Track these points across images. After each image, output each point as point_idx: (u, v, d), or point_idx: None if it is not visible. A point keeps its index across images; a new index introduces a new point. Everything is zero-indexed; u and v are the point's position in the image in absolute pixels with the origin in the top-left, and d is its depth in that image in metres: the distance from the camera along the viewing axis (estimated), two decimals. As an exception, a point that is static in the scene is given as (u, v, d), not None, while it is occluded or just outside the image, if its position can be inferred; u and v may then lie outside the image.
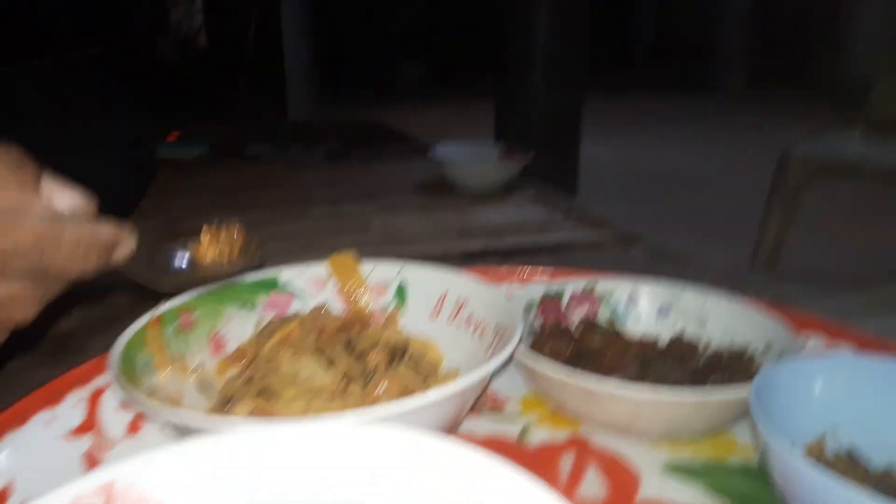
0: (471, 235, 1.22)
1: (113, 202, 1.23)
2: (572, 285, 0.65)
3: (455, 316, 0.58)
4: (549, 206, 1.40)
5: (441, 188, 1.48)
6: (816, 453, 0.47)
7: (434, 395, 0.41)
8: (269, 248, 1.16)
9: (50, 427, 0.46)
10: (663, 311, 0.64)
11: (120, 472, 0.33)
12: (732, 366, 0.56)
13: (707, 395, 0.46)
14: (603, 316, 0.64)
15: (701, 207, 3.39)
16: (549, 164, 1.51)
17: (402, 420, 0.40)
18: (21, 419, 0.45)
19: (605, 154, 4.13)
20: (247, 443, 0.35)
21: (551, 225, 1.30)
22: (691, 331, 0.62)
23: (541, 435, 0.53)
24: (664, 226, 1.28)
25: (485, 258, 1.14)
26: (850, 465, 0.47)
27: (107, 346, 0.49)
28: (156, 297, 0.55)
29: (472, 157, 1.58)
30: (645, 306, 0.65)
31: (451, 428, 0.49)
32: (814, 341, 0.62)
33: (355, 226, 1.26)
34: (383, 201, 1.42)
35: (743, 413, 0.51)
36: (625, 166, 4.18)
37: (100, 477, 0.32)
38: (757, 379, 0.45)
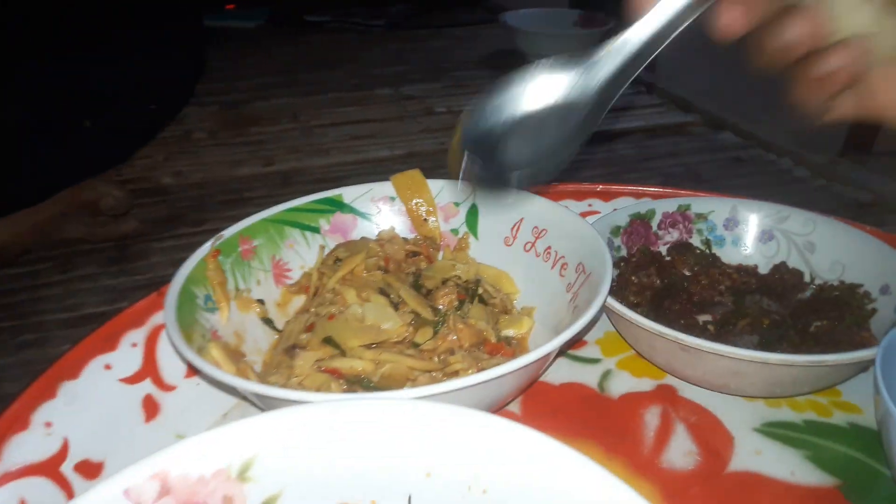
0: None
1: (165, 86, 1.19)
2: (663, 205, 0.58)
3: (532, 245, 0.53)
4: (632, 83, 1.29)
5: (512, 60, 1.38)
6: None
7: (510, 366, 0.37)
8: (332, 136, 1.12)
9: (106, 374, 0.45)
10: (766, 235, 0.57)
11: (176, 456, 0.31)
12: (841, 306, 0.50)
13: (821, 360, 0.40)
14: (698, 239, 0.58)
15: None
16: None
17: (474, 390, 0.37)
18: (75, 369, 0.44)
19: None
20: (307, 422, 0.33)
21: (633, 106, 1.20)
22: (796, 260, 0.56)
23: (623, 383, 0.49)
24: (752, 107, 1.16)
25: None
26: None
27: (172, 253, 0.46)
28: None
29: (546, 24, 1.45)
30: (745, 229, 0.58)
31: (526, 386, 0.46)
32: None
33: (420, 110, 1.19)
34: (449, 79, 1.34)
35: (857, 373, 0.46)
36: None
37: (154, 464, 0.30)
38: (885, 340, 0.39)
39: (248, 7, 1.80)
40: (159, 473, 0.31)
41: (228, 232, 0.52)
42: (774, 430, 0.45)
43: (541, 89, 0.41)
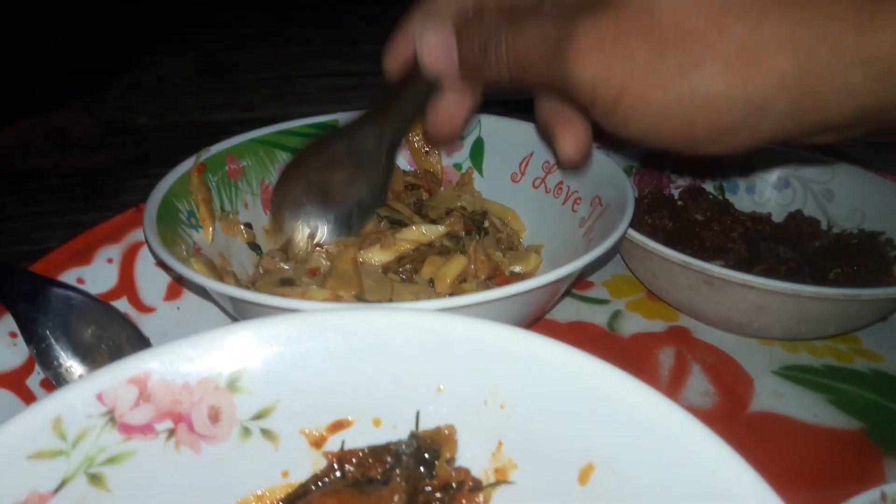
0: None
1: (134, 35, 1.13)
2: (674, 148, 0.55)
3: (542, 181, 0.50)
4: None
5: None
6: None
7: (525, 284, 0.34)
8: (315, 87, 1.07)
9: (79, 288, 0.40)
10: (781, 182, 0.55)
11: (158, 360, 0.27)
12: (862, 253, 0.48)
13: (857, 293, 0.38)
14: (711, 185, 0.56)
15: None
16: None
17: (484, 308, 0.34)
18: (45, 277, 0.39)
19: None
20: (306, 330, 0.29)
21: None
22: (812, 208, 0.53)
23: (634, 324, 0.46)
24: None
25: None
26: None
27: (145, 192, 0.43)
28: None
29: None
30: (760, 176, 0.55)
31: (538, 316, 0.43)
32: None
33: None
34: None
35: (878, 318, 0.44)
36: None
37: (132, 366, 0.26)
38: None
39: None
40: (138, 377, 0.27)
41: (215, 148, 0.48)
42: (794, 374, 0.42)
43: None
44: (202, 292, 0.45)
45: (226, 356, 0.28)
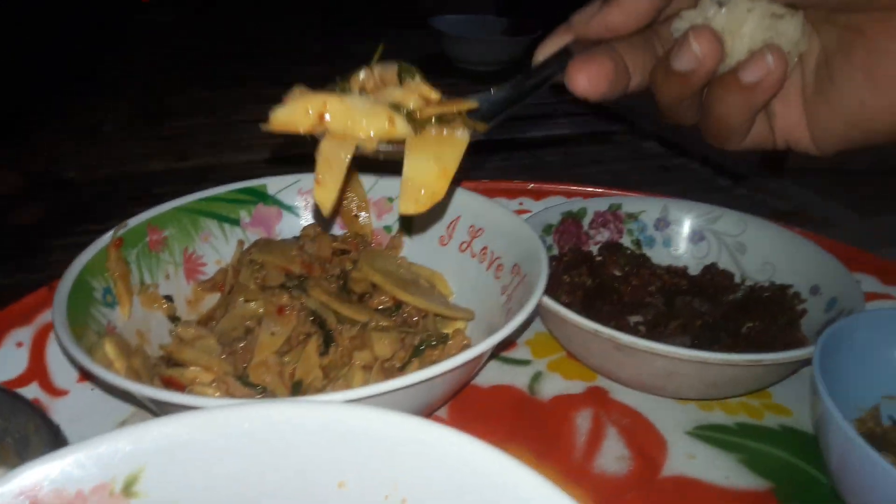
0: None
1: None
2: (595, 204, 0.57)
3: (468, 245, 0.51)
4: (556, 91, 1.29)
5: (439, 65, 1.36)
6: (871, 421, 0.42)
7: (439, 367, 0.34)
8: (253, 132, 1.07)
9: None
10: (696, 236, 0.57)
11: (50, 469, 0.27)
12: (772, 306, 0.50)
13: (760, 359, 0.39)
14: (628, 240, 0.57)
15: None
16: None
17: (400, 394, 0.34)
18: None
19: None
20: (203, 429, 0.29)
21: (557, 115, 1.20)
22: (726, 261, 0.55)
23: (554, 385, 0.47)
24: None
25: (484, 154, 1.05)
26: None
27: (75, 251, 0.42)
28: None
29: (474, 31, 1.45)
30: (675, 230, 0.57)
31: (459, 388, 0.43)
32: (864, 280, 0.55)
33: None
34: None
35: (790, 374, 0.45)
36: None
37: (24, 478, 0.26)
38: (821, 340, 0.39)
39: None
40: (28, 490, 0.26)
41: (134, 220, 0.47)
42: (707, 434, 0.44)
43: None
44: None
45: (121, 459, 0.28)
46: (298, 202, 0.54)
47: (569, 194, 0.64)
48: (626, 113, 1.17)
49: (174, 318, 0.47)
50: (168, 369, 0.40)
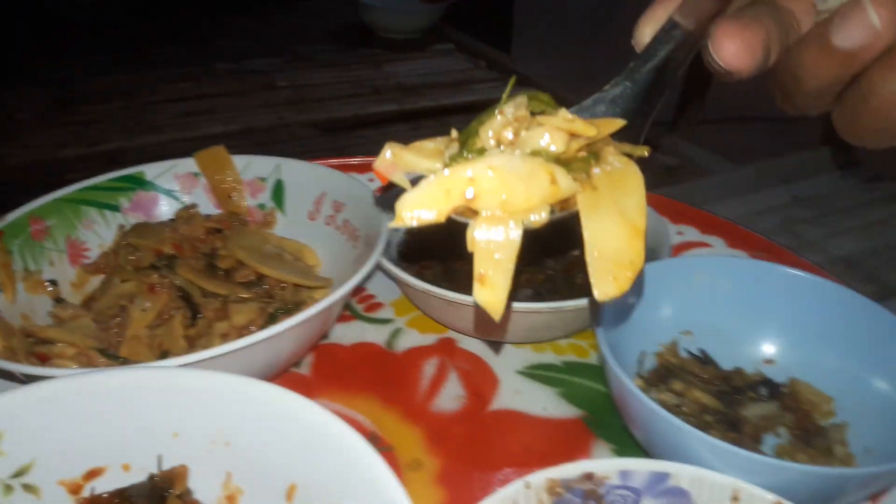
0: (384, 94, 1.17)
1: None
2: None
3: (332, 219, 0.56)
4: (472, 58, 1.33)
5: (356, 33, 1.39)
6: (669, 354, 0.49)
7: (263, 334, 0.40)
8: (166, 113, 1.10)
9: None
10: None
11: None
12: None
13: (560, 305, 0.46)
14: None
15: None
16: (477, 9, 1.40)
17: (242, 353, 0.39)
18: None
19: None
20: (56, 394, 0.34)
21: (471, 81, 1.24)
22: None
23: (410, 339, 0.53)
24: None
25: (398, 121, 1.10)
26: (699, 365, 0.49)
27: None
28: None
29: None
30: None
31: (311, 343, 0.49)
32: (687, 231, 0.62)
33: (261, 85, 1.18)
34: (293, 53, 1.34)
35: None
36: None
37: None
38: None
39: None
40: None
41: (14, 214, 0.52)
42: (535, 372, 0.50)
43: None
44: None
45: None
46: (176, 186, 0.59)
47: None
48: (542, 81, 1.21)
49: (60, 300, 0.52)
50: (37, 346, 0.44)
